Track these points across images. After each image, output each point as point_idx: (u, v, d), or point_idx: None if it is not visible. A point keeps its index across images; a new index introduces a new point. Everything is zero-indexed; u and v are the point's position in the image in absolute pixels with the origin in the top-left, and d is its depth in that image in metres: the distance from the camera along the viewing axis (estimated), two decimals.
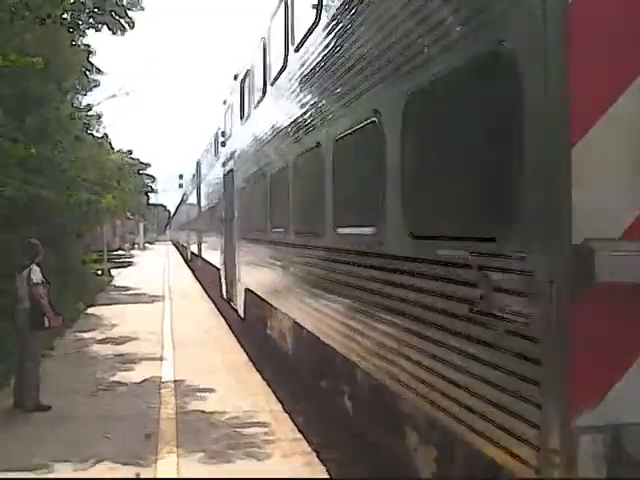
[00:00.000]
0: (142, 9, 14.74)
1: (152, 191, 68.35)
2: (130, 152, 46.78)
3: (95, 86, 21.94)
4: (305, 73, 7.52)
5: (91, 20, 13.97)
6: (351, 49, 5.93)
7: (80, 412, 8.40)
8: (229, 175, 16.10)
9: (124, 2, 14.15)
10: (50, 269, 11.38)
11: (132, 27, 14.82)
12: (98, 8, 13.78)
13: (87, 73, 19.38)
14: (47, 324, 8.44)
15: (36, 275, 8.37)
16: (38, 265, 8.51)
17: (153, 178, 67.06)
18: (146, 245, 75.82)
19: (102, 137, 28.64)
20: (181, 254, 50.26)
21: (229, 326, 15.10)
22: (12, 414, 8.23)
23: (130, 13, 14.57)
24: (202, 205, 28.17)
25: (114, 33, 14.78)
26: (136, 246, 67.19)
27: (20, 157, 11.33)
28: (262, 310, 11.84)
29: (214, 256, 20.53)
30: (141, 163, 57.60)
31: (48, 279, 8.83)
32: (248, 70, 12.49)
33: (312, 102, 7.42)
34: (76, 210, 16.31)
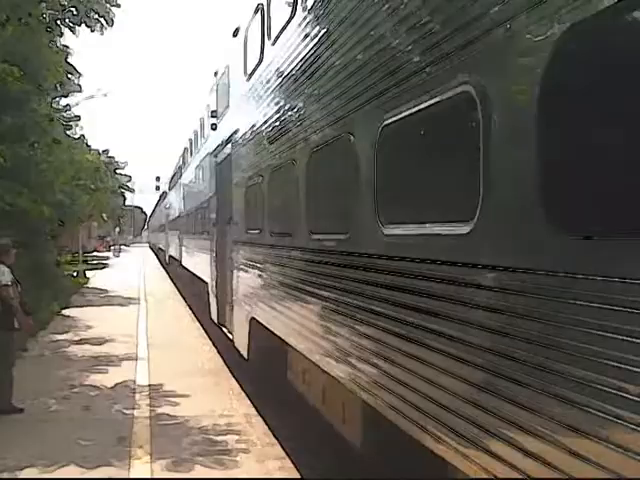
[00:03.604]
0: (118, 6, 14.69)
1: (129, 190, 67.85)
2: (106, 151, 46.55)
3: (75, 91, 21.85)
4: None
5: (67, 20, 13.91)
6: None
7: (53, 415, 8.36)
8: None
9: None
10: (24, 270, 11.31)
11: (111, 25, 14.79)
12: (75, 7, 13.73)
13: (68, 75, 19.30)
14: (17, 325, 8.38)
15: (5, 276, 8.22)
16: (9, 266, 8.39)
17: (129, 177, 66.58)
18: (122, 247, 75.33)
19: (79, 138, 28.48)
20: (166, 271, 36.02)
21: (204, 328, 15.09)
22: None
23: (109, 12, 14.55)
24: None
25: (92, 31, 14.75)
26: (112, 248, 66.78)
27: None
28: None
29: None
30: (117, 162, 57.25)
31: (21, 280, 8.76)
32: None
33: None
34: (51, 214, 16.20)
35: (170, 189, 35.71)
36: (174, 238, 29.99)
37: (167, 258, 36.47)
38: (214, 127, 13.49)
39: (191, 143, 22.38)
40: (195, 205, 19.78)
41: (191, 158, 22.17)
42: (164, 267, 38.69)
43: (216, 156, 13.17)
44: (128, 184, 65.97)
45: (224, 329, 12.30)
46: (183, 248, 24.35)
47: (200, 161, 18.00)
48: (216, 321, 13.27)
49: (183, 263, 23.89)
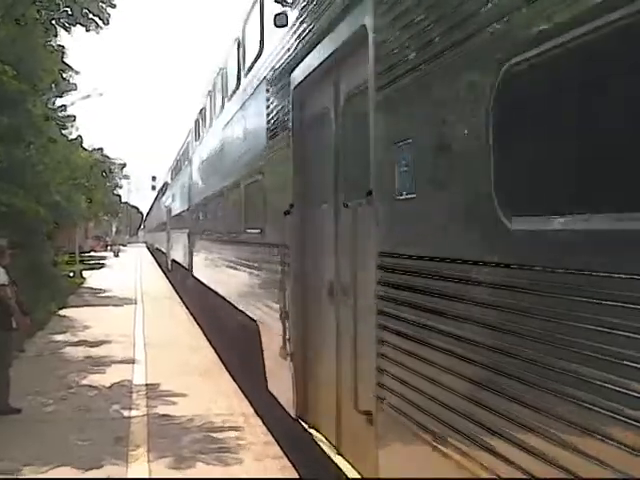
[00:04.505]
0: (114, 6, 14.65)
1: (125, 177, 68.10)
2: (100, 149, 46.54)
3: (71, 90, 21.85)
4: None
5: (62, 20, 13.89)
6: None
7: (50, 415, 8.35)
8: None
9: None
10: (21, 270, 11.30)
11: (106, 24, 14.77)
12: (70, 7, 13.71)
13: (62, 75, 19.27)
14: (15, 325, 8.37)
15: (1, 276, 8.20)
16: (4, 267, 8.34)
17: (127, 177, 66.98)
18: (120, 247, 75.46)
19: (76, 139, 28.47)
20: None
21: (200, 327, 15.10)
22: None
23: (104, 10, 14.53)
24: None
25: (87, 30, 14.75)
26: (109, 248, 66.79)
27: None
28: None
29: None
30: (113, 161, 57.31)
31: (18, 280, 8.74)
32: None
33: None
34: (46, 214, 16.20)
35: (174, 178, 28.06)
36: (180, 238, 22.74)
37: (169, 264, 29.06)
38: (281, 22, 6.72)
39: (212, 93, 14.06)
40: (224, 185, 11.85)
41: (218, 112, 13.12)
42: (161, 267, 38.56)
43: (290, 73, 6.52)
44: (124, 174, 66.30)
45: (315, 434, 6.01)
46: (196, 253, 17.35)
47: (241, 106, 9.85)
48: (293, 413, 6.59)
49: (196, 274, 17.02)
